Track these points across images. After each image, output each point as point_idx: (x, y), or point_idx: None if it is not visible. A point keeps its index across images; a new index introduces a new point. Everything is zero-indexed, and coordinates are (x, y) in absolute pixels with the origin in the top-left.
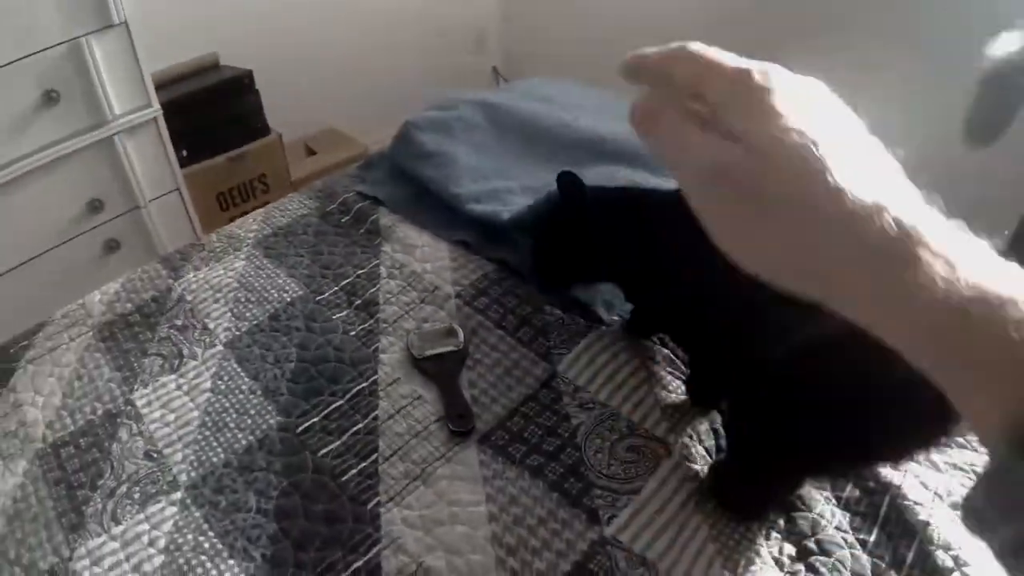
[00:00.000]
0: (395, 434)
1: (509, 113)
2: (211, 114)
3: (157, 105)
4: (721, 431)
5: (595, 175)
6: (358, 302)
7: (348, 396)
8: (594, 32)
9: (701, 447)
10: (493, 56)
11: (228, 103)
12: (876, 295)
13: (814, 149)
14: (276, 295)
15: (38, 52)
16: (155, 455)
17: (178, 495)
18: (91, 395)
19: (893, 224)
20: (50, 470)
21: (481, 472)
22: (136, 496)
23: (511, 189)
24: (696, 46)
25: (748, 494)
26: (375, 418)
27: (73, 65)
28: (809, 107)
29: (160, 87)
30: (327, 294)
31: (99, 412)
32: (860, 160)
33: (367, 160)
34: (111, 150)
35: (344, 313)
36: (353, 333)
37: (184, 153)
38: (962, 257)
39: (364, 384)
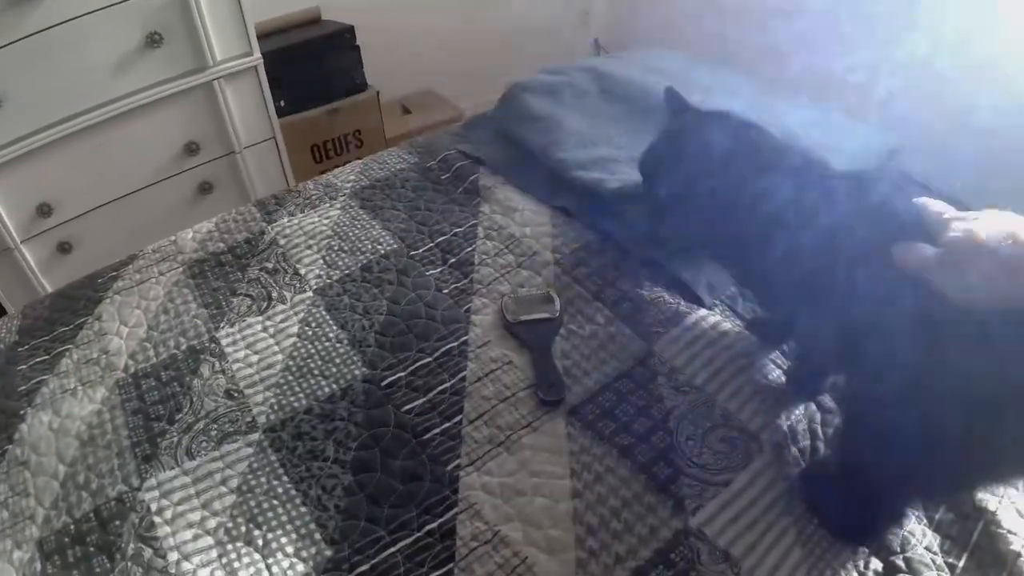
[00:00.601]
0: (482, 397)
1: (620, 82)
2: (310, 67)
3: (258, 54)
4: (819, 432)
5: None
6: (453, 260)
7: (437, 354)
8: (696, 6)
9: (795, 448)
10: (595, 29)
11: (328, 57)
12: None
13: None
14: (370, 246)
15: None
16: (236, 395)
17: (256, 436)
18: (176, 329)
19: None
20: (129, 400)
21: (568, 445)
22: (213, 433)
23: (617, 158)
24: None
25: (851, 515)
26: (463, 379)
27: (178, 9)
28: None
29: (262, 37)
30: (422, 250)
31: (183, 347)
32: None
33: (470, 120)
34: (210, 95)
35: (438, 270)
36: (446, 291)
37: (281, 103)
38: None
39: (454, 344)
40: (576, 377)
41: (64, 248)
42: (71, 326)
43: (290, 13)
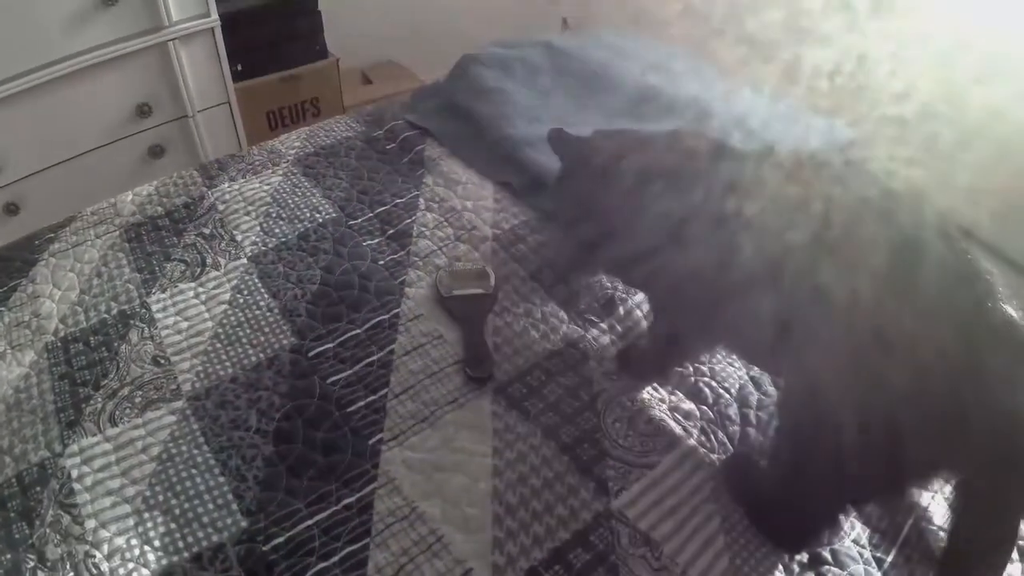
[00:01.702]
0: (409, 371)
1: (575, 60)
2: (269, 31)
3: (215, 16)
4: (751, 417)
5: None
6: (391, 231)
7: (367, 326)
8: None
9: (723, 433)
10: (565, 6)
11: (288, 22)
12: None
13: None
14: (308, 214)
15: None
16: (163, 361)
17: (179, 404)
18: (108, 294)
19: None
20: (56, 364)
21: (492, 424)
22: (137, 400)
23: None
24: None
25: (785, 519)
26: (391, 352)
27: None
28: None
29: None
30: (360, 219)
31: (114, 312)
32: None
33: (420, 90)
34: (165, 56)
35: (375, 241)
36: (382, 263)
37: (238, 68)
38: None
39: (385, 316)
40: (506, 355)
41: (10, 209)
42: (4, 288)
43: None
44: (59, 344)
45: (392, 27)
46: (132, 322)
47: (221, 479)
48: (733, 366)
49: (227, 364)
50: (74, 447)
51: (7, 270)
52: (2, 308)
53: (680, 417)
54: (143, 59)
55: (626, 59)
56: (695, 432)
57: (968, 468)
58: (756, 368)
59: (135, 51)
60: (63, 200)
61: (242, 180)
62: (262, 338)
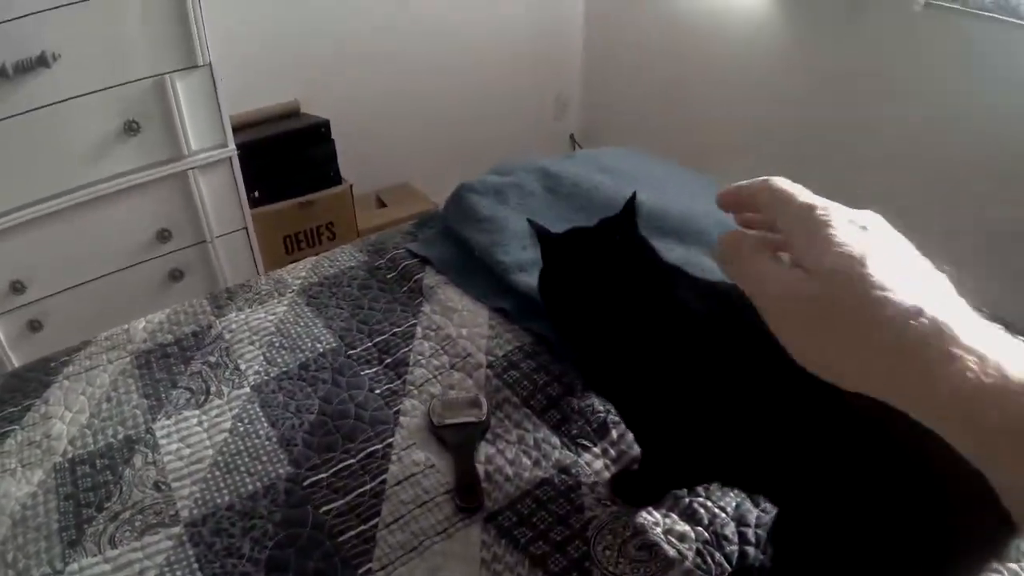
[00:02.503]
0: (400, 501)
1: (566, 182)
2: (286, 159)
3: (232, 145)
4: (749, 535)
5: None
6: (389, 360)
7: (360, 456)
8: (674, 104)
9: (720, 554)
10: (572, 123)
11: (303, 150)
12: (919, 391)
13: (861, 267)
14: (310, 344)
15: (125, 84)
16: (163, 487)
17: (176, 530)
18: (116, 418)
19: (930, 324)
20: (63, 484)
21: (480, 553)
22: (137, 524)
23: None
24: (777, 181)
25: None
26: (383, 482)
27: (156, 100)
28: (864, 235)
29: (240, 129)
30: (359, 349)
31: (120, 436)
32: (905, 273)
33: (422, 218)
34: (184, 184)
35: (373, 370)
36: (378, 391)
37: (256, 194)
38: (991, 350)
39: (379, 446)
40: (498, 483)
41: (34, 326)
42: (19, 407)
43: (269, 106)
44: (67, 465)
45: (404, 151)
46: (137, 447)
47: None
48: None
49: (224, 492)
50: (74, 566)
51: (24, 389)
52: (16, 426)
53: (675, 540)
54: (164, 186)
55: (618, 178)
56: (690, 555)
57: None
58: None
59: (156, 179)
60: (85, 319)
61: (248, 310)
62: (259, 467)
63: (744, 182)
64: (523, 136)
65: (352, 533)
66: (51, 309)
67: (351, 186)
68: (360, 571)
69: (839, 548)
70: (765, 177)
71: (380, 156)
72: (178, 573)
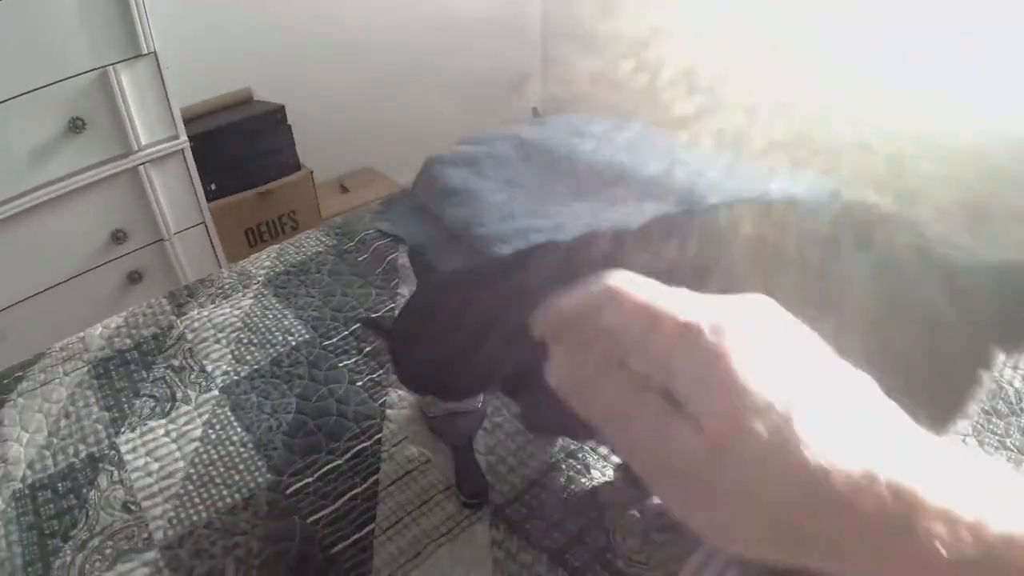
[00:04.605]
0: (396, 503)
1: (542, 148)
2: (241, 148)
3: (184, 137)
4: None
5: (636, 215)
6: (368, 349)
7: (347, 456)
8: (628, 70)
9: None
10: (533, 98)
11: (258, 138)
12: (882, 567)
13: (787, 427)
14: (281, 338)
15: (65, 79)
16: (133, 507)
17: (152, 555)
18: (76, 435)
19: (887, 493)
20: (24, 514)
21: (492, 553)
22: (108, 552)
23: (540, 228)
24: (622, 286)
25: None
26: (375, 483)
27: (100, 94)
28: (769, 357)
29: (191, 120)
30: (335, 339)
31: (82, 455)
32: (839, 413)
33: (390, 197)
34: (136, 181)
35: (352, 361)
36: (360, 383)
37: (212, 187)
38: (967, 509)
39: (367, 443)
40: (501, 474)
41: None
42: None
43: (220, 95)
44: (27, 491)
45: (364, 134)
46: (101, 465)
47: None
48: None
49: (200, 508)
50: None
51: None
52: None
53: None
54: (114, 185)
55: (593, 141)
56: None
57: None
58: None
59: (105, 178)
60: (42, 331)
61: (211, 306)
62: (236, 477)
63: (569, 300)
64: (484, 113)
65: (346, 543)
66: (8, 322)
67: (311, 172)
68: None
69: None
70: (599, 284)
71: (340, 141)
72: None
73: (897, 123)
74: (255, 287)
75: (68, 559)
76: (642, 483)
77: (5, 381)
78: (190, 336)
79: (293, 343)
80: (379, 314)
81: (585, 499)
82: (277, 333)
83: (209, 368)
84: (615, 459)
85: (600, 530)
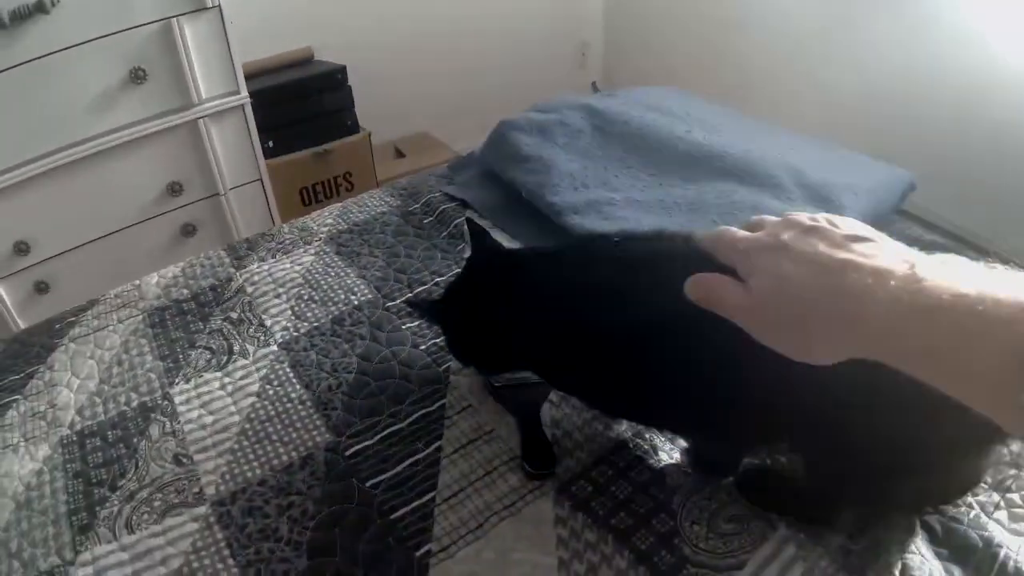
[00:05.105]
0: (459, 472)
1: (616, 120)
2: (300, 107)
3: (245, 92)
4: None
5: (714, 195)
6: None
7: (410, 420)
8: (697, 49)
9: None
10: (593, 71)
11: (319, 97)
12: (971, 368)
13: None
14: (343, 296)
15: (129, 29)
16: (185, 460)
17: (202, 510)
18: (128, 384)
19: (852, 259)
20: (71, 460)
21: (556, 531)
22: (156, 504)
23: (613, 201)
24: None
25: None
26: (438, 449)
27: (163, 45)
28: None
29: (252, 77)
30: (399, 300)
31: (134, 403)
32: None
33: (457, 160)
34: (195, 134)
35: (415, 324)
36: (423, 347)
37: (270, 144)
38: (920, 267)
39: (430, 408)
40: (567, 449)
41: (41, 288)
42: (21, 375)
43: (281, 53)
44: (75, 438)
45: (423, 99)
46: (153, 415)
47: None
48: None
49: (255, 464)
50: (87, 555)
51: (26, 356)
52: (18, 396)
53: None
54: (173, 137)
55: (669, 117)
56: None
57: None
58: None
59: (165, 129)
60: (94, 279)
61: (272, 260)
62: (294, 435)
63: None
64: (544, 85)
65: (406, 509)
66: (58, 270)
67: (369, 135)
68: (418, 553)
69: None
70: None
71: (398, 105)
72: (206, 561)
73: None
74: (317, 244)
75: (115, 509)
76: (711, 470)
77: (57, 326)
78: (249, 289)
79: (355, 302)
80: (444, 277)
81: (653, 480)
82: (339, 291)
83: (268, 323)
84: (682, 443)
85: (667, 513)
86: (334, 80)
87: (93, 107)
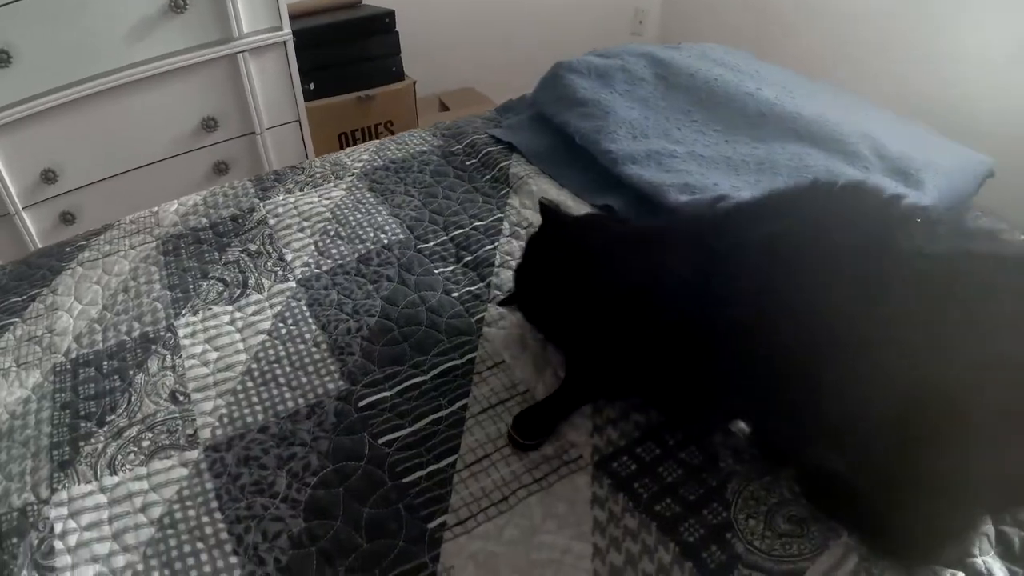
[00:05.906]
0: (485, 435)
1: (682, 72)
2: (345, 50)
3: (288, 29)
4: None
5: (786, 156)
6: (469, 259)
7: (434, 373)
8: (755, 16)
9: None
10: (649, 38)
11: (364, 42)
12: None
13: None
14: (372, 234)
15: None
16: (181, 398)
17: (193, 455)
18: (132, 312)
19: None
20: (61, 390)
21: (592, 512)
22: (145, 444)
23: (675, 153)
24: None
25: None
26: (463, 408)
27: None
28: None
29: (297, 17)
30: (433, 243)
31: (135, 333)
32: None
33: (506, 103)
34: (233, 69)
35: (449, 269)
36: (456, 295)
37: (311, 86)
38: None
39: (458, 361)
40: (609, 419)
41: (67, 219)
42: (23, 297)
43: None
44: (68, 366)
45: (471, 54)
46: (154, 348)
47: (233, 560)
48: None
49: (258, 409)
50: (63, 494)
51: (31, 278)
52: (17, 319)
53: None
54: (211, 71)
55: (737, 73)
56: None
57: None
58: None
59: (203, 62)
60: (121, 212)
61: (299, 193)
62: (304, 379)
63: None
64: (595, 46)
65: (421, 473)
66: (85, 201)
67: (414, 83)
68: (431, 524)
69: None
70: None
71: (445, 57)
72: (191, 512)
73: None
74: (349, 179)
75: (99, 446)
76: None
77: (67, 249)
78: (272, 221)
79: (385, 241)
80: (484, 222)
81: (705, 464)
82: (368, 229)
83: (288, 257)
84: (741, 424)
85: (720, 503)
86: (381, 24)
87: (130, 35)
